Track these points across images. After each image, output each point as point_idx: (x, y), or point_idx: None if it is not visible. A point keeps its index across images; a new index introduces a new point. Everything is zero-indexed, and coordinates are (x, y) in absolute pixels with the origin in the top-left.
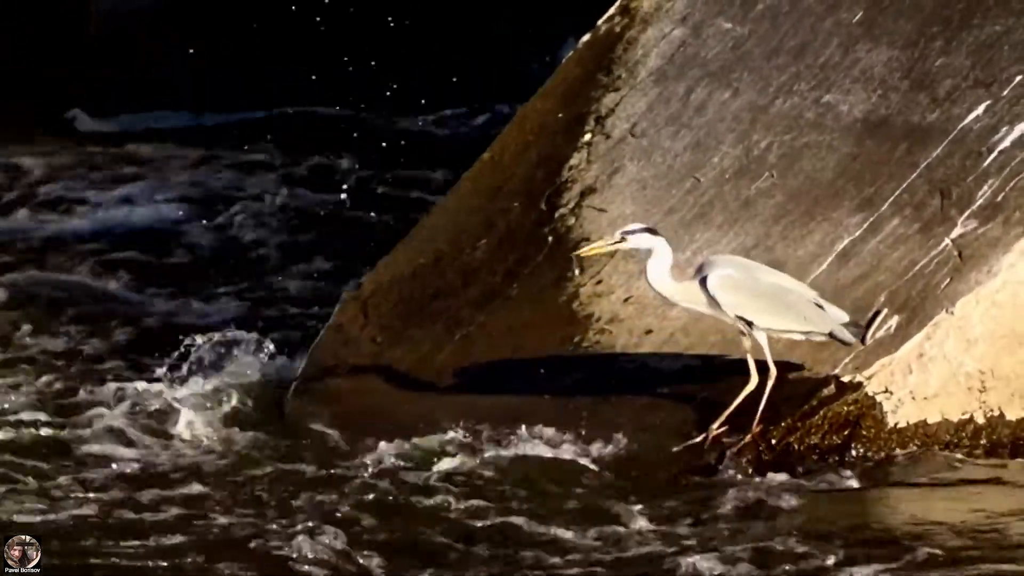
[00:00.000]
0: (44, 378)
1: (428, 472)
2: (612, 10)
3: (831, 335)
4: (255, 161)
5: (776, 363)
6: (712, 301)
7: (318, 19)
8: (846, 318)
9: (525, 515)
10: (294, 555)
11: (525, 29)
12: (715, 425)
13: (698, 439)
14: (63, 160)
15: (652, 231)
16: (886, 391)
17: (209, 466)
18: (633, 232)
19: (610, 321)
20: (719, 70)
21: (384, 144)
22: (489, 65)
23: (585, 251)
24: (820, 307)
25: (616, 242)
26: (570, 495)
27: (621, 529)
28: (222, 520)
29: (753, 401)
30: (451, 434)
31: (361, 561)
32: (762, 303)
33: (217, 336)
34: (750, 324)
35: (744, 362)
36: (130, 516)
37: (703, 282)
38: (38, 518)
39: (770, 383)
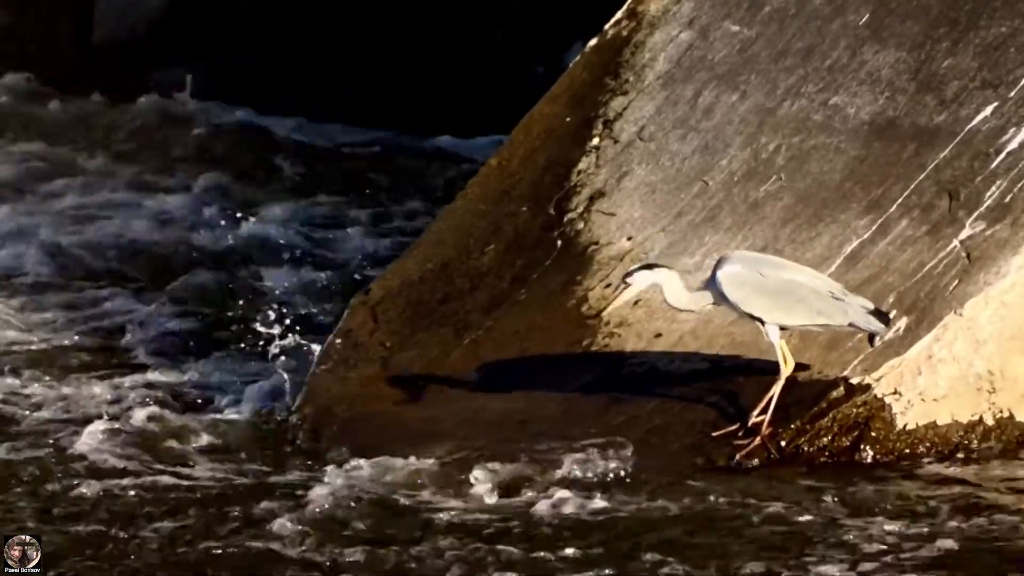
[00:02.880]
0: (45, 378)
1: (434, 478)
2: (619, 14)
3: (852, 326)
4: (260, 166)
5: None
6: (723, 298)
7: (318, 26)
8: (870, 306)
9: (528, 519)
10: (291, 561)
11: (532, 34)
12: (755, 413)
13: (733, 427)
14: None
15: (649, 266)
16: (895, 393)
17: (211, 470)
18: (633, 273)
19: (619, 325)
20: (727, 73)
21: (389, 148)
22: (495, 70)
23: (608, 310)
24: (838, 299)
25: (625, 287)
26: (577, 499)
27: (628, 533)
28: (220, 523)
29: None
30: (458, 439)
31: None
32: (770, 300)
33: (223, 339)
34: (762, 321)
35: (755, 363)
36: (129, 516)
37: (713, 280)
38: (38, 518)
39: (780, 383)
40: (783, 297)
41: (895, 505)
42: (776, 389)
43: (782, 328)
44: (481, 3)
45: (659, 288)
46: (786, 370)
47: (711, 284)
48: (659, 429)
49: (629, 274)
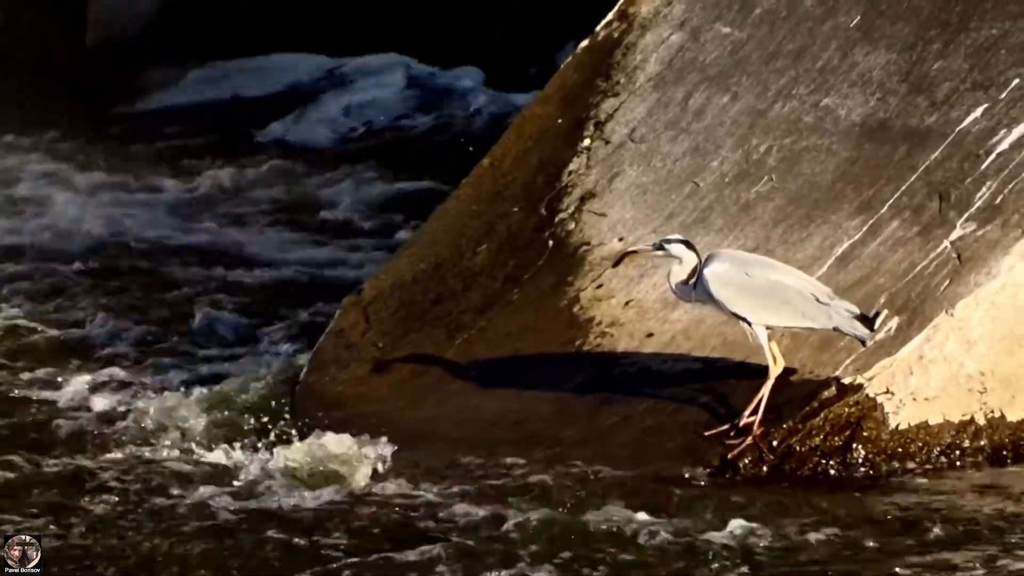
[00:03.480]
0: (44, 378)
1: (427, 480)
2: (610, 15)
3: (836, 330)
4: (256, 166)
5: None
6: (709, 296)
7: (316, 26)
8: (856, 311)
9: (524, 520)
10: (286, 562)
11: (524, 34)
12: (746, 413)
13: (724, 428)
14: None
15: (687, 243)
16: (887, 392)
17: (207, 472)
18: (672, 242)
19: (611, 325)
20: (718, 75)
21: (385, 148)
22: (489, 69)
23: (629, 256)
24: (824, 303)
25: (655, 249)
26: (569, 500)
27: (621, 533)
28: (216, 524)
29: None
30: (452, 439)
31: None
32: (756, 299)
33: (218, 341)
34: (748, 321)
35: (747, 364)
36: (129, 517)
37: (700, 277)
38: (38, 518)
39: (770, 382)
40: (769, 298)
41: (888, 508)
42: (766, 389)
43: (768, 328)
44: (481, 3)
45: (672, 265)
46: (775, 370)
47: (698, 282)
48: (652, 430)
49: (668, 241)
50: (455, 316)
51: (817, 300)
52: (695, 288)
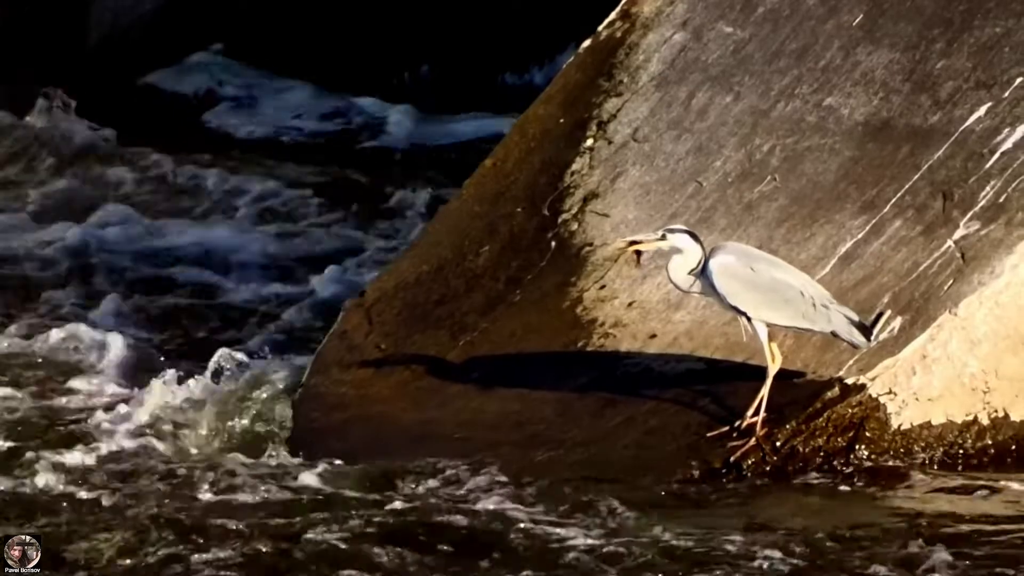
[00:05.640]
0: (45, 378)
1: (430, 482)
2: (613, 15)
3: (835, 335)
4: (259, 166)
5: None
6: (712, 289)
7: (319, 27)
8: (855, 318)
9: (526, 521)
10: (287, 563)
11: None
12: (748, 413)
13: (727, 428)
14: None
15: (693, 235)
16: (890, 392)
17: (209, 473)
18: (675, 232)
19: (614, 326)
20: (720, 74)
21: (387, 149)
22: (492, 69)
23: (632, 247)
24: (823, 307)
25: (659, 239)
26: (572, 501)
27: (624, 534)
28: (218, 526)
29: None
30: (454, 441)
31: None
32: (758, 295)
33: (220, 342)
34: (748, 317)
35: (750, 364)
36: (129, 518)
37: (704, 268)
38: (38, 518)
39: (769, 380)
40: (771, 294)
41: (891, 509)
42: (765, 388)
43: (767, 326)
44: (481, 3)
45: (674, 256)
46: (774, 367)
47: (702, 273)
48: (655, 431)
49: (671, 231)
50: (458, 317)
51: (814, 304)
52: (698, 279)
